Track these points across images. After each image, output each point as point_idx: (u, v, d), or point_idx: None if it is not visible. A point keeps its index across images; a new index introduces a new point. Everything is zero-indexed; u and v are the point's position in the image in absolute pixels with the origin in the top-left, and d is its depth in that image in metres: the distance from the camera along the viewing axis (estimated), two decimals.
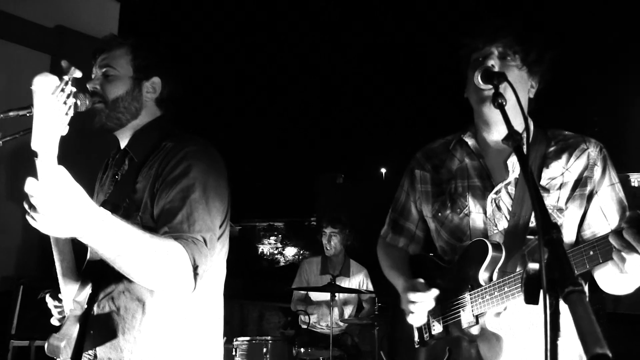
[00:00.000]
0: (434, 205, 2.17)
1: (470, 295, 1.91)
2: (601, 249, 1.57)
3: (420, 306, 2.01)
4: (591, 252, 1.58)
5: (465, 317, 1.92)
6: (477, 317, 1.88)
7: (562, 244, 1.06)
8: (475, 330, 1.90)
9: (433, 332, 2.06)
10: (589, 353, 0.80)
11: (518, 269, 1.83)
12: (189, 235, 1.75)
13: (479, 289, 1.88)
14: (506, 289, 1.79)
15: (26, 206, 1.37)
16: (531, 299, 1.10)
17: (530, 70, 2.00)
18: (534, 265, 1.10)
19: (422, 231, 2.32)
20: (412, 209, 2.31)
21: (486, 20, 2.05)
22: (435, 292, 2.00)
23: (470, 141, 2.12)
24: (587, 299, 1.95)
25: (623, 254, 1.51)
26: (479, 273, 1.89)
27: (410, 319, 2.06)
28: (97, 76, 2.02)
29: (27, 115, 1.69)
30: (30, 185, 1.32)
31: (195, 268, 1.71)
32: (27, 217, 1.38)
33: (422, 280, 2.05)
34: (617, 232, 1.50)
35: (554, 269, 0.99)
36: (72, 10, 6.87)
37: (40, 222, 1.37)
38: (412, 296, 2.01)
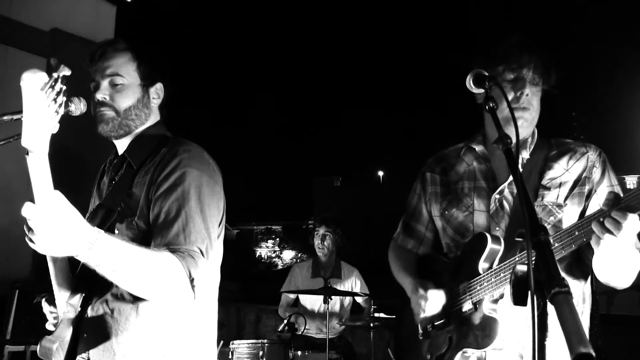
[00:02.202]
0: (442, 204, 2.29)
1: (469, 283, 2.03)
2: (585, 229, 1.71)
3: (428, 305, 2.14)
4: (576, 232, 1.72)
5: (465, 305, 2.03)
6: (475, 304, 1.99)
7: (550, 245, 1.08)
8: (473, 317, 1.99)
9: (435, 323, 2.15)
10: (573, 352, 0.82)
11: (517, 254, 1.92)
12: (185, 248, 1.77)
13: (477, 277, 2.00)
14: (502, 275, 1.91)
15: (25, 229, 1.43)
16: (519, 300, 1.12)
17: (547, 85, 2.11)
18: (521, 267, 1.12)
19: (431, 232, 2.42)
20: (423, 211, 2.41)
21: (512, 40, 2.11)
22: (440, 293, 2.12)
23: (478, 148, 2.25)
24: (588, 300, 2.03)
25: (601, 239, 1.66)
26: (478, 263, 2.00)
27: (420, 317, 2.18)
28: (104, 85, 2.00)
29: (22, 119, 1.70)
30: (27, 210, 1.37)
31: (192, 280, 1.74)
32: (27, 240, 1.45)
33: (428, 284, 2.16)
34: (600, 221, 1.65)
35: (541, 271, 1.01)
36: (68, 14, 6.88)
37: (38, 243, 1.43)
38: (422, 302, 2.14)
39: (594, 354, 0.80)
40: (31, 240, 1.44)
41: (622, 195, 1.99)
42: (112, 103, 1.99)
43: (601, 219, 1.65)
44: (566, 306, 0.90)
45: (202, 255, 1.80)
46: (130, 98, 2.02)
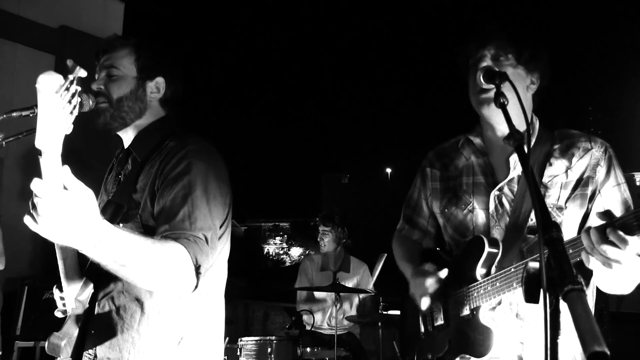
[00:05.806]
0: (442, 202, 2.23)
1: (466, 289, 1.98)
2: (578, 247, 1.61)
3: (428, 288, 2.04)
4: (570, 250, 1.64)
5: (463, 311, 1.99)
6: (472, 310, 1.94)
7: (562, 243, 1.06)
8: (471, 323, 1.95)
9: (435, 324, 2.12)
10: (587, 351, 0.80)
11: (514, 263, 1.86)
12: (190, 233, 1.76)
13: (475, 284, 1.94)
14: (498, 284, 1.85)
15: (30, 205, 1.35)
16: (531, 297, 1.10)
17: (527, 68, 2.03)
18: (534, 264, 1.11)
19: (433, 227, 2.38)
20: (423, 206, 2.37)
21: (479, 28, 2.12)
22: (444, 272, 2.04)
23: (476, 140, 2.18)
24: (589, 298, 1.99)
25: (589, 254, 1.57)
26: (476, 268, 1.95)
27: (420, 303, 2.07)
28: (101, 77, 2.02)
29: (31, 115, 1.70)
30: (36, 184, 1.31)
31: (197, 268, 1.72)
32: (27, 217, 1.36)
33: (430, 265, 2.10)
34: (586, 231, 1.55)
35: (554, 268, 1.00)
36: (76, 11, 6.90)
37: (40, 224, 1.35)
38: (422, 281, 2.05)
39: (608, 352, 0.78)
40: (33, 219, 1.35)
41: (627, 196, 1.94)
42: (106, 92, 1.99)
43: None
44: (580, 304, 0.88)
45: (207, 243, 1.79)
46: (124, 89, 2.01)
